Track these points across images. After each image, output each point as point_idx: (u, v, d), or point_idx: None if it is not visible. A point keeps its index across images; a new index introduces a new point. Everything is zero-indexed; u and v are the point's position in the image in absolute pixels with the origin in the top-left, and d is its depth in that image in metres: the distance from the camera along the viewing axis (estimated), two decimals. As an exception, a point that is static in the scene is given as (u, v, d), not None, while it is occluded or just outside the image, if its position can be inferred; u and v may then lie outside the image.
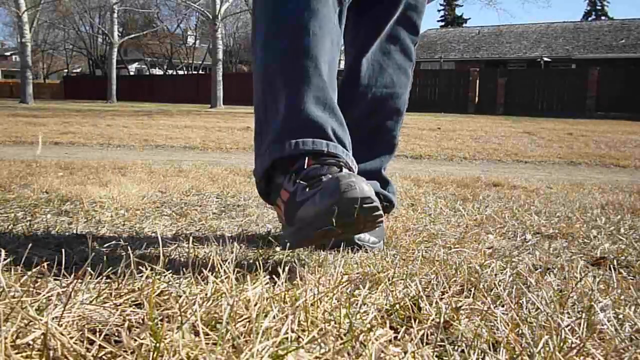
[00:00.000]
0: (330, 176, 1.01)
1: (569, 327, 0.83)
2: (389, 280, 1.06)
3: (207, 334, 0.72)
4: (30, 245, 1.26)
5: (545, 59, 27.40)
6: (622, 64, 24.93)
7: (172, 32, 42.22)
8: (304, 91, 1.13)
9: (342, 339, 0.75)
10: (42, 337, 0.67)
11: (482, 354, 0.75)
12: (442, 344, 0.78)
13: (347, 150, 1.14)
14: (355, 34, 1.55)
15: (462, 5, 64.81)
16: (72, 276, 1.01)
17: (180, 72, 41.92)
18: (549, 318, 0.85)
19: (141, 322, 0.77)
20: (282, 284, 0.96)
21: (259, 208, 2.01)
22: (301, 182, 1.03)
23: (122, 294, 0.87)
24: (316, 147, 1.08)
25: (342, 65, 1.66)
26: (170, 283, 0.92)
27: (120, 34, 31.63)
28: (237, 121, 11.80)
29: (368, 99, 1.54)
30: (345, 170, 1.04)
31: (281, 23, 1.20)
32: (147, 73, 43.26)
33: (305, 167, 1.06)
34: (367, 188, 0.97)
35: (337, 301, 0.88)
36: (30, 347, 0.67)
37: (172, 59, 43.14)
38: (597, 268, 1.32)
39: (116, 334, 0.73)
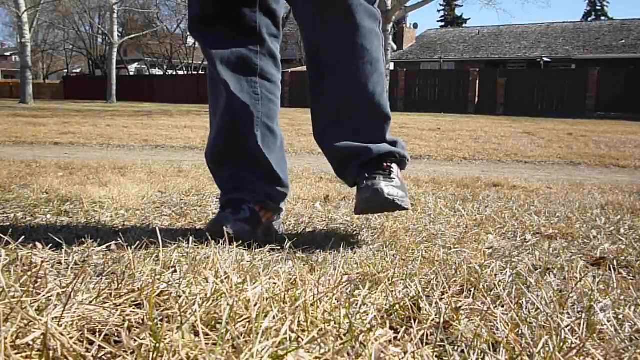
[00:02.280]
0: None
1: (569, 327, 0.83)
2: (389, 280, 1.06)
3: (207, 334, 0.72)
4: (30, 245, 1.26)
5: (545, 59, 27.40)
6: (622, 64, 24.93)
7: (172, 32, 42.22)
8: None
9: (342, 339, 0.75)
10: (42, 337, 0.67)
11: (482, 354, 0.75)
12: (442, 344, 0.78)
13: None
14: (303, 20, 1.53)
15: (462, 6, 64.86)
16: (72, 276, 1.01)
17: (180, 72, 41.92)
18: (549, 318, 0.85)
19: (141, 322, 0.77)
20: (282, 284, 0.96)
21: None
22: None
23: (122, 294, 0.87)
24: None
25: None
26: (170, 283, 0.92)
27: (120, 34, 31.63)
28: (237, 121, 11.78)
29: (350, 75, 1.51)
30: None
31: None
32: (147, 73, 43.27)
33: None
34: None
35: (337, 301, 0.88)
36: (30, 347, 0.67)
37: (172, 59, 43.15)
38: (597, 268, 1.32)
39: (116, 334, 0.73)
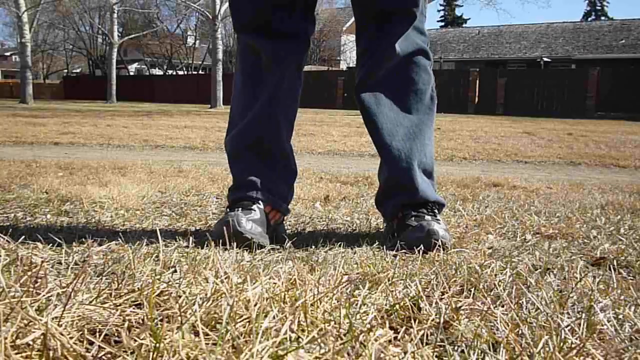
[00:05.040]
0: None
1: (569, 327, 0.83)
2: (389, 280, 1.06)
3: (207, 334, 0.72)
4: (30, 245, 1.26)
5: (545, 59, 27.39)
6: (622, 64, 24.92)
7: (172, 32, 42.19)
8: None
9: (342, 339, 0.75)
10: (42, 337, 0.67)
11: (482, 354, 0.75)
12: (442, 344, 0.78)
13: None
14: (372, 54, 1.66)
15: (462, 6, 64.86)
16: (72, 276, 1.01)
17: (180, 72, 41.90)
18: (549, 318, 0.85)
19: (141, 322, 0.77)
20: (282, 284, 0.96)
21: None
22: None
23: (122, 294, 0.87)
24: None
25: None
26: (170, 283, 0.92)
27: (120, 34, 31.62)
28: (237, 121, 11.76)
29: (399, 108, 1.64)
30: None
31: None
32: (147, 73, 43.26)
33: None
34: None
35: (337, 301, 0.88)
36: (30, 347, 0.67)
37: (172, 59, 43.13)
38: (597, 268, 1.32)
39: (116, 334, 0.73)
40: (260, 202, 1.55)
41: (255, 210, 1.52)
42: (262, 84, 1.63)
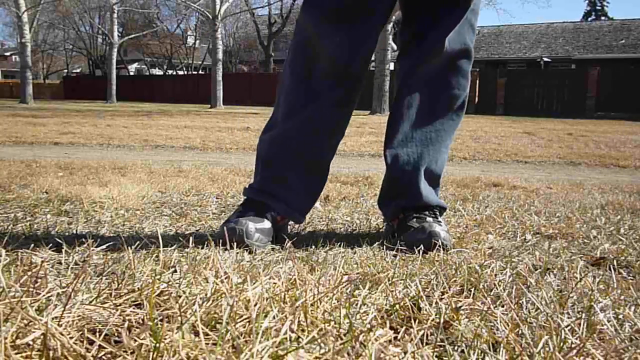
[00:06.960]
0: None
1: (569, 327, 0.83)
2: (389, 280, 1.06)
3: (207, 334, 0.72)
4: (30, 245, 1.26)
5: (545, 59, 27.39)
6: (622, 64, 24.93)
7: (172, 32, 42.20)
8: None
9: (342, 339, 0.75)
10: (42, 337, 0.67)
11: (482, 354, 0.75)
12: (442, 344, 0.78)
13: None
14: (420, 44, 1.59)
15: (462, 6, 64.67)
16: (72, 276, 1.01)
17: (180, 72, 41.91)
18: (549, 318, 0.85)
19: (141, 322, 0.77)
20: (282, 284, 0.96)
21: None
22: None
23: (122, 294, 0.87)
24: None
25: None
26: (170, 283, 0.92)
27: (120, 34, 31.62)
28: (237, 121, 11.80)
29: (427, 110, 1.62)
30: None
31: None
32: (147, 73, 43.27)
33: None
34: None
35: (337, 301, 0.88)
36: (30, 347, 0.67)
37: (172, 59, 43.13)
38: (597, 268, 1.32)
39: (116, 334, 0.73)
40: (274, 211, 1.51)
41: (267, 220, 1.49)
42: (315, 92, 1.51)
